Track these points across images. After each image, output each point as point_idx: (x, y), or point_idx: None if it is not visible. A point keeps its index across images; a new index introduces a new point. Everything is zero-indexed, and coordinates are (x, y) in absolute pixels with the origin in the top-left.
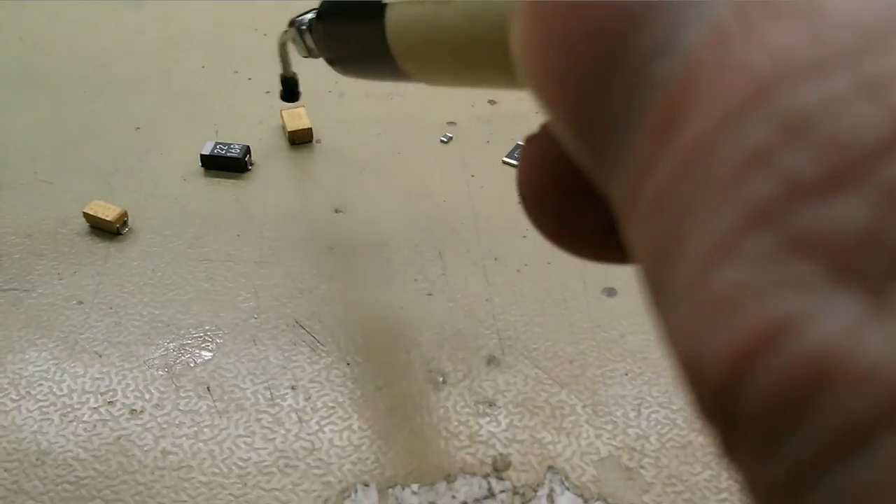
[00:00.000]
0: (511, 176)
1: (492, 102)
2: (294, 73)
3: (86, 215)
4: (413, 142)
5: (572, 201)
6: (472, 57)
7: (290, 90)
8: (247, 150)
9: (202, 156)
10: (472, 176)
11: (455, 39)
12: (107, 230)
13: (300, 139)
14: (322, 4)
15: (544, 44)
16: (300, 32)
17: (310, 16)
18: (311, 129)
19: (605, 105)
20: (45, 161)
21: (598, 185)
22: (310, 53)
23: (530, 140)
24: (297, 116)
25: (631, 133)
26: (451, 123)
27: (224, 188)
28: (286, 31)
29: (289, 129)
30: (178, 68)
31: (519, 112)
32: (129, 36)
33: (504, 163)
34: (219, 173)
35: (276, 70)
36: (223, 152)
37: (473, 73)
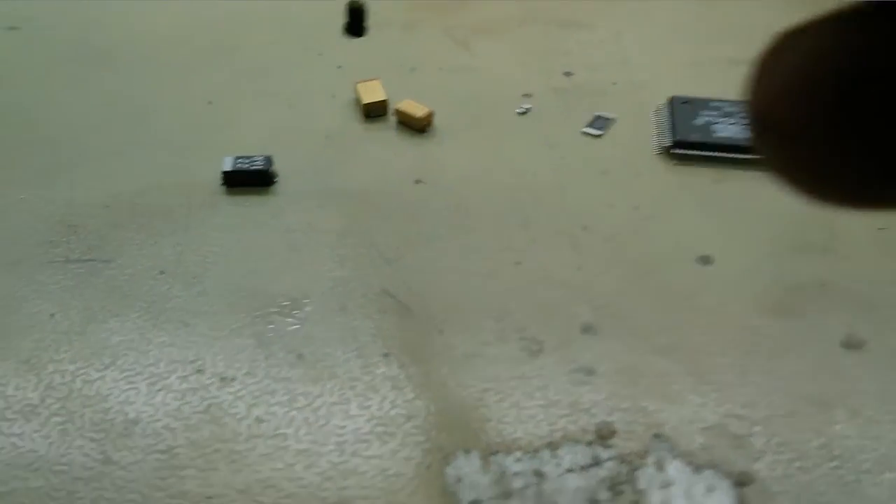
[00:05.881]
0: (591, 147)
1: (567, 74)
2: (363, 2)
3: (398, 112)
4: (489, 114)
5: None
6: None
7: (356, 21)
8: (269, 161)
9: (224, 173)
10: (552, 147)
11: None
12: (415, 128)
13: (375, 112)
14: None
15: None
16: None
17: None
18: (386, 101)
19: None
20: (118, 136)
21: None
22: None
23: (788, 46)
24: (372, 89)
25: None
26: (526, 95)
27: (303, 160)
28: None
29: (364, 102)
30: (249, 44)
31: (595, 83)
32: (199, 12)
33: (584, 134)
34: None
35: (347, 47)
36: (246, 166)
37: None
